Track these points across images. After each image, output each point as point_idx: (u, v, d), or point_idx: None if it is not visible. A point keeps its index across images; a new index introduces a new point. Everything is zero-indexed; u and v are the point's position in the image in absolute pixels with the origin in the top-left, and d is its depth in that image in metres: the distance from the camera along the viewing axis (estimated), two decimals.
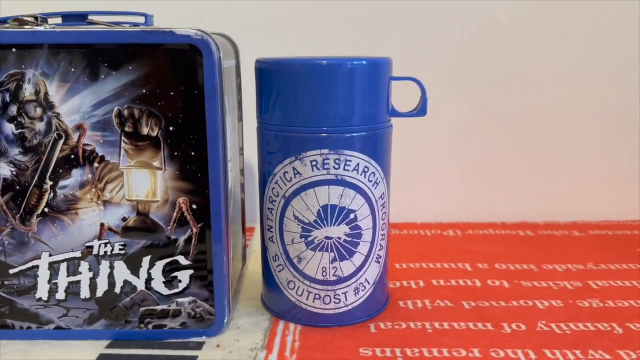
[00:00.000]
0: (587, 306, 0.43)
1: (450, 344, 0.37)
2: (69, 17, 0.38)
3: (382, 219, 0.40)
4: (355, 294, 0.40)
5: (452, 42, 0.60)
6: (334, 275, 0.39)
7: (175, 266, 0.37)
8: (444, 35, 0.60)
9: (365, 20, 0.60)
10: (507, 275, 0.48)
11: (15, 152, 0.35)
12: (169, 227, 0.36)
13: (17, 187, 0.35)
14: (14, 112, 0.34)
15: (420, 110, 0.40)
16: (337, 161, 0.37)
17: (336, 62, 0.37)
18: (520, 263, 0.51)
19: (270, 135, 0.39)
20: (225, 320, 0.38)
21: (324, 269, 0.39)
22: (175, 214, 0.36)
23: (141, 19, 0.39)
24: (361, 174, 0.38)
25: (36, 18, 0.35)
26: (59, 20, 0.38)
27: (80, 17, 0.38)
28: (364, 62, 0.37)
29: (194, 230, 0.37)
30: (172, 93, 0.34)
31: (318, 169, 0.37)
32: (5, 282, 0.37)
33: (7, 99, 0.34)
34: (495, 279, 0.48)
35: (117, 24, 0.39)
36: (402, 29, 0.60)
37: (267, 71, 0.39)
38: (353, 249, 0.39)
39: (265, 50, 0.57)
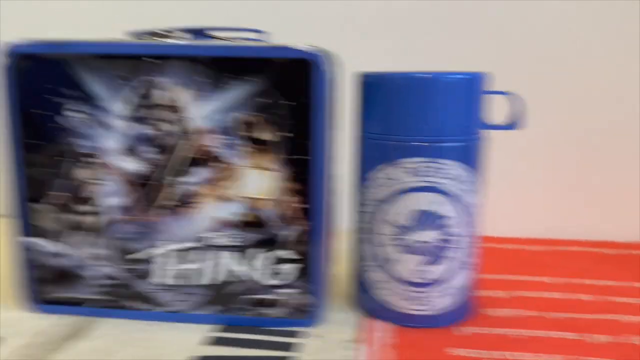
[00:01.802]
0: None
1: (535, 349, 0.39)
2: (188, 32, 0.42)
3: (474, 228, 0.42)
4: (443, 298, 0.42)
5: (547, 58, 0.61)
6: (424, 278, 0.41)
7: (280, 260, 0.40)
8: (539, 51, 0.61)
9: (461, 33, 0.62)
10: (592, 290, 0.49)
11: (145, 150, 0.39)
12: (276, 224, 0.40)
13: (145, 182, 0.40)
14: (148, 115, 0.39)
15: (515, 123, 0.42)
16: (432, 169, 0.40)
17: (433, 76, 0.39)
18: (606, 279, 0.51)
19: (366, 143, 0.42)
20: (323, 313, 0.41)
21: (414, 272, 0.41)
22: (283, 212, 0.40)
23: (254, 35, 0.43)
24: (455, 182, 0.40)
25: (169, 32, 0.40)
26: (181, 34, 0.43)
27: (199, 32, 0.42)
28: (462, 77, 0.40)
29: (300, 228, 0.40)
30: (287, 103, 0.38)
31: (414, 175, 0.40)
32: (128, 267, 0.42)
33: (143, 103, 0.39)
34: (580, 293, 0.48)
35: (233, 38, 0.43)
36: (499, 44, 0.62)
37: (369, 84, 0.42)
38: (444, 254, 0.41)
39: (360, 62, 0.61)
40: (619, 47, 0.60)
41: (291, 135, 0.38)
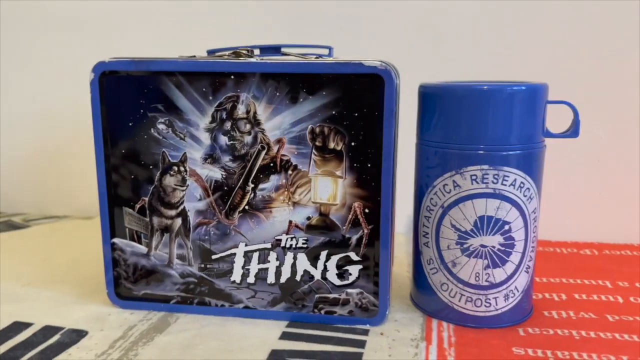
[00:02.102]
0: None
1: (598, 350, 0.40)
2: (265, 50, 0.46)
3: (533, 232, 0.44)
4: (505, 300, 0.44)
5: (599, 68, 0.62)
6: (486, 280, 0.43)
7: (347, 261, 0.43)
8: (592, 61, 0.62)
9: (521, 45, 0.63)
10: None
11: (226, 159, 0.43)
12: (344, 227, 0.43)
13: (225, 188, 0.43)
14: (228, 127, 0.42)
15: (573, 132, 0.44)
16: (495, 176, 0.42)
17: (497, 87, 0.41)
18: None
19: (430, 152, 0.44)
20: (387, 312, 0.44)
21: (477, 275, 0.43)
22: (350, 216, 0.42)
23: (324, 51, 0.46)
24: (517, 189, 0.42)
25: (248, 50, 0.43)
26: (256, 51, 0.46)
27: (275, 50, 0.45)
28: (523, 88, 0.42)
29: (365, 231, 0.42)
30: (356, 114, 0.41)
31: (477, 182, 0.42)
32: (208, 266, 0.45)
33: (224, 116, 0.42)
34: (638, 296, 0.49)
35: (305, 55, 0.46)
36: (557, 55, 0.63)
37: (430, 95, 0.44)
38: (506, 258, 0.43)
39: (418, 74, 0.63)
40: None
41: (358, 144, 0.41)
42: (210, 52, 0.46)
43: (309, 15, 0.67)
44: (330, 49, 0.46)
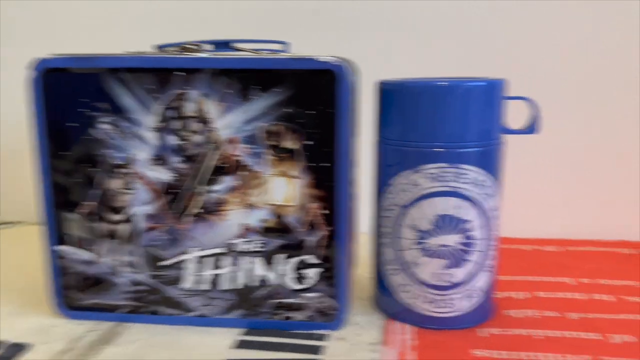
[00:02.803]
0: None
1: (560, 350, 0.39)
2: (216, 45, 0.44)
3: (494, 230, 0.43)
4: (465, 300, 0.43)
5: (562, 63, 0.62)
6: (446, 281, 0.42)
7: (305, 265, 0.42)
8: (554, 57, 0.62)
9: (477, 41, 0.63)
10: (611, 290, 0.49)
11: (175, 160, 0.41)
12: (301, 230, 0.41)
13: (175, 191, 0.41)
14: (177, 126, 0.40)
15: (532, 128, 0.43)
16: (453, 174, 0.41)
17: (454, 83, 0.40)
18: (625, 279, 0.52)
19: (388, 149, 0.43)
20: (347, 316, 0.42)
21: (437, 275, 0.42)
22: (307, 218, 0.41)
23: (279, 46, 0.45)
24: (476, 187, 0.41)
25: (197, 45, 0.41)
26: (206, 46, 0.44)
27: (226, 45, 0.44)
28: (481, 84, 0.41)
29: (323, 233, 0.41)
30: (311, 112, 0.39)
31: (435, 181, 0.41)
32: (158, 273, 0.43)
33: (172, 114, 0.40)
34: (600, 293, 0.49)
35: (258, 50, 0.44)
36: (518, 50, 0.62)
37: (389, 92, 0.43)
38: (466, 257, 0.42)
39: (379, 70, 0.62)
40: (630, 46, 0.61)
41: (314, 143, 0.40)
42: (161, 48, 0.43)
43: (269, 11, 0.65)
44: (285, 44, 0.45)
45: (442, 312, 0.43)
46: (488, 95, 0.41)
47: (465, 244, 0.42)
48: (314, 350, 0.40)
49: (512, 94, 0.43)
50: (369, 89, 0.45)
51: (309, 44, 0.64)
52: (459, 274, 0.42)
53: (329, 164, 0.40)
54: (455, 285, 0.42)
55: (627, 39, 0.61)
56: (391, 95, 0.42)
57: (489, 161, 0.41)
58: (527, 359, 0.38)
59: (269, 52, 0.44)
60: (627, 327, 0.43)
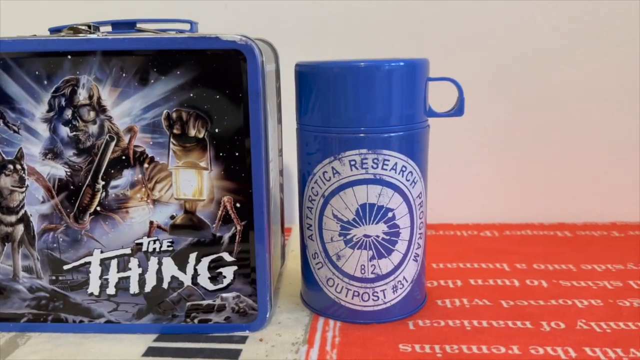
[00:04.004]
0: (628, 306, 0.42)
1: (489, 341, 0.38)
2: (118, 25, 0.40)
3: (420, 218, 0.41)
4: (393, 292, 0.41)
5: (489, 43, 0.61)
6: (372, 273, 0.40)
7: (220, 263, 0.38)
8: (481, 37, 0.60)
9: (403, 22, 0.60)
10: (545, 275, 0.48)
11: (69, 153, 0.37)
12: (214, 225, 0.38)
13: (71, 187, 0.37)
14: (69, 116, 0.36)
15: (458, 110, 0.41)
16: (375, 161, 0.38)
17: (374, 63, 0.38)
18: (559, 263, 0.51)
19: (309, 137, 0.40)
20: (267, 316, 0.40)
21: (362, 267, 0.40)
22: (220, 212, 0.38)
23: (186, 26, 0.41)
24: (399, 174, 0.39)
25: (89, 27, 0.37)
26: (109, 28, 0.40)
27: (130, 25, 0.40)
28: (401, 64, 0.38)
29: (238, 228, 0.38)
30: (217, 96, 0.36)
31: (357, 168, 0.38)
32: (60, 278, 0.39)
33: (63, 103, 0.36)
34: (534, 278, 0.48)
35: (164, 31, 0.40)
36: (440, 31, 0.60)
37: (306, 74, 0.40)
38: (391, 247, 0.40)
39: (303, 53, 0.59)
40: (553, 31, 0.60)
41: (224, 130, 0.36)
42: (53, 31, 0.39)
43: None
44: (192, 23, 0.41)
45: (370, 306, 0.41)
46: (409, 75, 0.38)
47: (389, 234, 0.39)
48: (231, 354, 0.37)
49: (435, 75, 0.40)
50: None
51: (229, 27, 0.60)
52: (384, 264, 0.40)
53: (240, 154, 0.37)
54: (381, 277, 0.40)
55: (547, 22, 0.60)
56: (307, 78, 0.39)
57: (412, 146, 0.39)
58: (454, 353, 0.36)
59: (175, 32, 0.40)
60: (557, 313, 0.41)
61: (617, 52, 0.60)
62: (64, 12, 0.61)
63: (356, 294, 0.41)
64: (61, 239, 0.38)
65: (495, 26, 0.60)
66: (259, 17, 0.61)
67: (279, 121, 0.47)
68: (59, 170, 0.37)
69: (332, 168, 0.39)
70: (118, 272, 0.39)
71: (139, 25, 0.40)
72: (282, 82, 0.49)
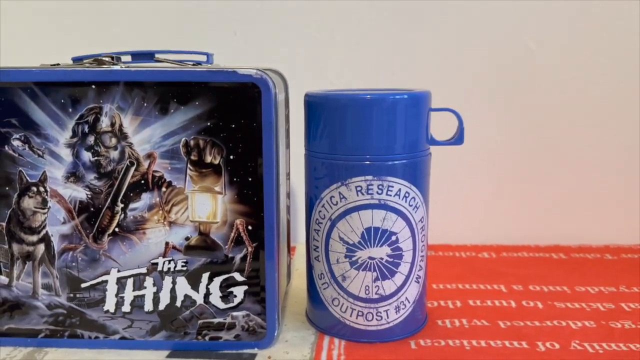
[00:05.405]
0: (620, 327, 0.44)
1: None
2: (138, 56, 0.42)
3: (422, 241, 0.43)
4: (396, 312, 0.43)
5: (486, 72, 0.63)
6: (376, 293, 0.42)
7: (231, 282, 0.40)
8: (479, 66, 0.63)
9: (403, 53, 0.63)
10: (541, 297, 0.50)
11: (91, 177, 0.39)
12: (226, 246, 0.40)
13: (92, 209, 0.39)
14: (92, 142, 0.38)
15: (458, 139, 0.43)
16: (380, 187, 0.40)
17: (379, 96, 0.40)
18: (554, 285, 0.53)
19: (317, 162, 0.42)
20: (275, 334, 0.41)
21: (367, 288, 0.42)
22: (232, 234, 0.40)
23: (203, 58, 0.43)
24: (402, 199, 0.41)
25: (112, 57, 0.40)
26: (128, 58, 0.43)
27: (149, 56, 0.42)
28: (405, 96, 0.41)
29: (249, 249, 0.40)
30: (233, 125, 0.38)
31: (363, 194, 0.40)
32: (77, 295, 0.41)
33: (86, 130, 0.38)
34: (530, 300, 0.50)
35: (181, 62, 0.43)
36: (440, 61, 0.63)
37: (315, 104, 0.42)
38: (394, 269, 0.42)
39: (309, 80, 0.61)
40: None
41: (237, 157, 0.38)
42: (76, 60, 0.42)
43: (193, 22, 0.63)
44: (208, 55, 0.43)
45: (373, 325, 0.42)
46: (413, 107, 0.41)
47: (393, 256, 0.41)
48: None
49: (435, 106, 0.43)
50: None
51: (242, 57, 0.63)
52: (388, 286, 0.42)
53: (253, 179, 0.39)
54: (384, 298, 0.42)
55: (540, 47, 0.62)
56: (316, 108, 0.42)
57: (415, 173, 0.41)
58: None
59: (192, 63, 0.42)
60: (552, 334, 0.43)
61: (612, 76, 0.63)
62: (73, 40, 0.64)
63: (360, 313, 0.42)
64: (80, 258, 0.40)
65: (489, 54, 0.63)
66: (268, 45, 0.63)
67: (287, 146, 0.49)
68: (80, 193, 0.39)
69: (339, 193, 0.41)
70: (134, 290, 0.40)
71: (157, 56, 0.42)
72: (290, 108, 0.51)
